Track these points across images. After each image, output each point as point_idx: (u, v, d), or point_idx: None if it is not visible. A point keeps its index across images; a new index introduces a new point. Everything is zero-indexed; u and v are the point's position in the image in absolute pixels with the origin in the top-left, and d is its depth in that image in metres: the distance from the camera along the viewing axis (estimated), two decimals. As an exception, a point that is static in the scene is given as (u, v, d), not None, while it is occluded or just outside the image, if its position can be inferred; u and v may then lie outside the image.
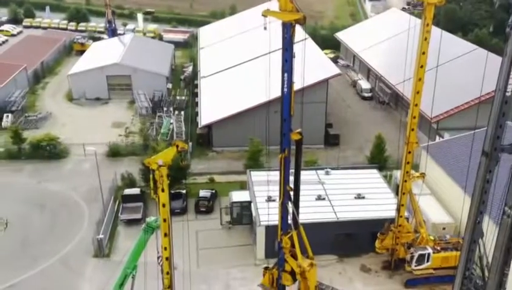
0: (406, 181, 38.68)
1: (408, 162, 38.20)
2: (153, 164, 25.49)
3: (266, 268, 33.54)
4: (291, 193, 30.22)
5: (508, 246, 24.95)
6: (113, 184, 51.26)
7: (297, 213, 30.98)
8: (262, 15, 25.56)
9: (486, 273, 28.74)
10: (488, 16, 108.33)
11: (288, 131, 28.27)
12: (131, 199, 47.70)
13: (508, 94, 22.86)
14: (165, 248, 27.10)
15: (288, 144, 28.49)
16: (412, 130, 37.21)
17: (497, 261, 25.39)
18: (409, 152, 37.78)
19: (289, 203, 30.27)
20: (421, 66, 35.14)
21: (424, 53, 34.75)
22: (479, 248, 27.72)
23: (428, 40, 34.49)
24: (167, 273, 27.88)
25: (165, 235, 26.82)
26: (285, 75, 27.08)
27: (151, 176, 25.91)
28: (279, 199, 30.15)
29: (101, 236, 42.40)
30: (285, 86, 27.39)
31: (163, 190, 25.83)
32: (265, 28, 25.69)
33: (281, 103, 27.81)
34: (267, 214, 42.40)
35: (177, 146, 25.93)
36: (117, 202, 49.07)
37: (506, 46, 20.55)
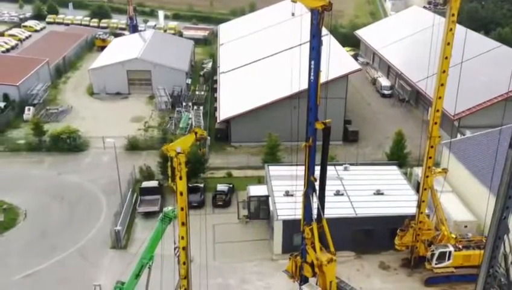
0: (427, 177, 37.91)
1: (430, 157, 37.39)
2: (171, 151, 25.24)
3: (292, 255, 33.32)
4: (316, 185, 29.91)
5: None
6: (131, 177, 51.40)
7: (323, 205, 30.59)
8: (292, 1, 25.23)
9: None
10: (510, 15, 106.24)
11: (314, 120, 27.82)
12: (149, 192, 47.75)
13: None
14: (182, 237, 26.83)
15: (313, 133, 28.08)
16: (435, 123, 36.45)
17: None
18: (432, 147, 36.98)
19: (313, 194, 29.85)
20: (446, 58, 34.36)
21: (449, 44, 33.99)
22: (503, 245, 26.96)
23: (454, 31, 33.73)
24: (184, 263, 27.61)
25: (183, 224, 26.56)
26: (312, 62, 26.74)
27: (169, 163, 25.66)
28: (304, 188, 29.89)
29: (118, 228, 42.48)
30: (312, 74, 26.96)
31: (181, 178, 25.54)
32: (293, 14, 25.67)
33: (308, 91, 27.54)
34: (285, 208, 42.31)
35: (196, 133, 25.60)
36: (135, 195, 49.13)
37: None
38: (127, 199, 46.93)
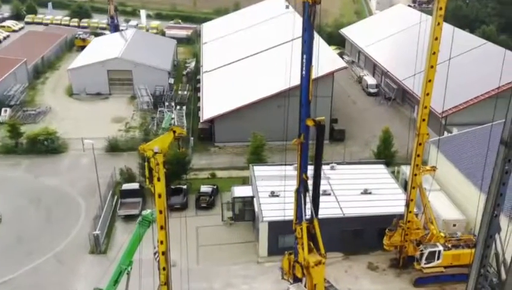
0: (416, 175, 37.18)
1: (418, 155, 36.70)
2: (148, 151, 23.90)
3: (288, 252, 32.68)
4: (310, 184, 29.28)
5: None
6: (111, 179, 49.79)
7: (317, 205, 29.80)
8: None
9: (503, 272, 27.21)
10: (494, 13, 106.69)
11: (306, 116, 27.00)
12: (130, 194, 46.22)
13: None
14: (162, 242, 25.49)
15: (305, 130, 27.30)
16: (423, 120, 35.74)
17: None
18: (420, 144, 36.26)
19: (305, 193, 29.22)
20: (434, 53, 33.83)
21: (436, 39, 33.43)
22: (495, 243, 26.16)
23: (441, 25, 33.16)
24: (163, 268, 26.25)
25: (161, 228, 25.20)
26: (304, 56, 26.18)
27: (146, 163, 24.32)
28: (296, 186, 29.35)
29: (97, 232, 40.93)
30: (304, 68, 26.12)
31: (159, 179, 24.19)
32: (287, 7, 24.75)
33: (300, 86, 27.07)
34: (271, 209, 41.18)
35: (175, 132, 24.26)
36: (115, 198, 47.56)
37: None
38: (106, 202, 45.32)
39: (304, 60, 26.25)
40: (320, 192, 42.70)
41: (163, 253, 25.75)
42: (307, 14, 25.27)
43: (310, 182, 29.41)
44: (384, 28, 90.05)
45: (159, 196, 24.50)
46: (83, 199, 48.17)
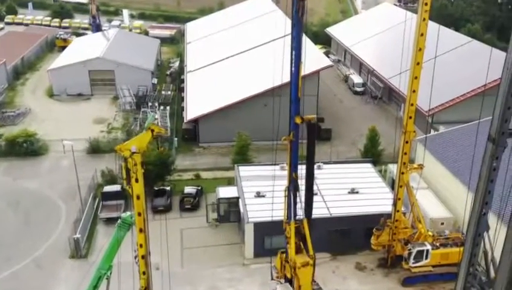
0: (403, 173, 36.67)
1: (405, 153, 36.25)
2: (125, 151, 22.91)
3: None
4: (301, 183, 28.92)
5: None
6: (92, 181, 48.49)
7: (310, 206, 29.46)
8: None
9: (492, 270, 26.72)
10: (479, 12, 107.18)
11: (295, 113, 26.47)
12: (112, 197, 44.94)
13: None
14: (141, 245, 24.44)
15: (294, 127, 26.77)
16: (410, 118, 35.28)
17: (507, 256, 23.20)
18: (407, 142, 35.80)
19: (295, 192, 28.75)
20: (420, 49, 33.43)
21: (422, 34, 33.09)
22: (483, 242, 25.65)
23: (427, 21, 32.73)
24: (143, 273, 25.20)
25: (141, 231, 24.17)
26: (293, 53, 25.77)
27: (123, 164, 23.29)
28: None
29: (77, 236, 39.72)
30: (293, 64, 25.50)
31: (137, 180, 23.19)
32: (277, 2, 24.10)
33: (290, 83, 26.71)
34: (256, 210, 40.32)
35: (153, 130, 23.25)
36: (97, 200, 46.31)
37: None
38: (87, 204, 44.09)
39: (293, 56, 25.79)
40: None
41: (142, 257, 24.72)
42: (295, 9, 24.87)
43: (301, 182, 28.89)
44: (370, 27, 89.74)
45: (138, 197, 23.52)
46: (63, 202, 46.87)
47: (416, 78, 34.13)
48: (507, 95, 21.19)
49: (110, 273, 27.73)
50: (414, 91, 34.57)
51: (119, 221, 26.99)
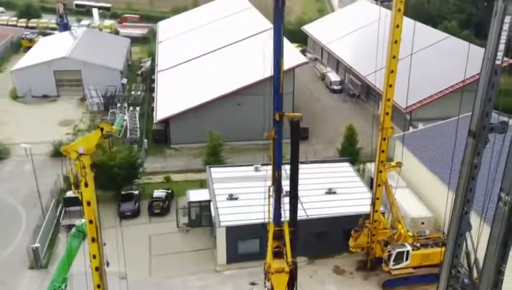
0: (381, 172, 35.22)
1: (383, 151, 34.85)
2: (72, 152, 20.57)
3: None
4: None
5: (505, 238, 21.31)
6: (55, 186, 45.74)
7: (295, 208, 27.81)
8: None
9: (475, 272, 25.27)
10: (455, 9, 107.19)
11: (276, 109, 25.12)
12: (75, 202, 41.88)
13: (497, 62, 19.74)
14: (94, 256, 22.08)
15: (275, 124, 25.32)
16: (387, 114, 33.81)
17: (491, 257, 21.70)
18: (384, 139, 34.30)
19: (278, 192, 27.16)
20: (395, 42, 32.11)
21: (398, 26, 31.70)
22: (465, 242, 24.14)
23: (403, 11, 31.30)
24: (98, 286, 22.84)
25: (93, 240, 21.87)
26: (275, 46, 24.31)
27: (70, 168, 21.05)
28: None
29: (37, 245, 37.06)
30: (275, 58, 24.44)
31: (86, 185, 20.88)
32: None
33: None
34: (229, 213, 38.33)
35: (102, 129, 20.99)
36: (60, 206, 43.62)
37: (496, 5, 17.84)
38: (48, 211, 41.42)
39: (274, 50, 24.35)
40: (283, 193, 40.86)
41: (96, 269, 22.35)
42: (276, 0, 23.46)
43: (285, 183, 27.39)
44: (346, 25, 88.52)
45: (88, 203, 21.21)
46: (24, 208, 44.18)
47: (392, 72, 32.83)
48: (487, 88, 19.83)
49: (65, 286, 25.55)
50: (391, 86, 33.23)
51: (72, 230, 24.79)
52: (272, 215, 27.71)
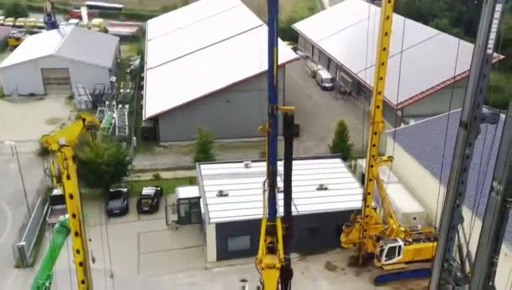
0: (372, 166, 34.76)
1: (374, 145, 34.35)
2: (53, 144, 19.92)
3: None
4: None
5: (497, 229, 20.91)
6: (42, 185, 44.89)
7: (289, 204, 27.75)
8: None
9: (467, 265, 24.89)
10: (447, 7, 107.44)
11: (271, 101, 24.14)
12: (62, 200, 41.16)
13: (488, 51, 19.40)
14: (78, 251, 21.43)
15: (272, 117, 24.44)
16: (378, 107, 33.37)
17: (484, 249, 21.29)
18: (375, 133, 33.86)
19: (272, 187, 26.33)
20: (386, 34, 31.75)
21: (388, 18, 31.40)
22: (457, 235, 23.78)
23: (392, 3, 30.97)
24: (82, 281, 22.18)
25: (76, 234, 21.23)
26: (269, 36, 23.49)
27: (51, 161, 20.43)
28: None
29: (22, 243, 36.27)
30: (269, 48, 23.58)
31: (69, 177, 20.23)
32: None
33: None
34: (218, 210, 37.75)
35: (84, 120, 20.37)
36: (46, 204, 42.80)
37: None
38: (34, 209, 40.58)
39: (269, 39, 23.60)
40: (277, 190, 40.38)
41: (80, 264, 21.68)
42: None
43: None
44: (337, 22, 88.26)
45: (71, 196, 20.57)
46: (10, 207, 43.40)
47: (383, 64, 32.48)
48: (478, 77, 19.54)
49: (50, 283, 24.82)
50: (381, 78, 32.86)
51: (56, 225, 24.13)
52: (266, 211, 27.13)
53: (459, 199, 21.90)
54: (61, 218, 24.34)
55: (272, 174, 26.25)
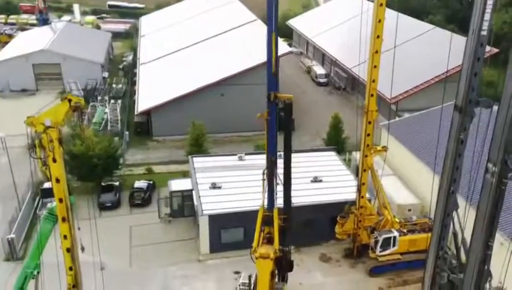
0: (366, 156, 34.37)
1: (368, 134, 33.94)
2: (38, 125, 19.40)
3: None
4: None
5: (492, 212, 20.66)
6: (33, 178, 44.23)
7: (288, 195, 27.28)
8: None
9: (462, 252, 24.59)
10: (441, 4, 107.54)
11: (270, 89, 24.02)
12: (52, 193, 40.72)
13: (483, 33, 19.17)
14: (65, 237, 20.92)
15: (271, 105, 24.33)
16: (372, 95, 33.00)
17: (479, 233, 21.03)
18: (369, 122, 33.48)
19: (272, 177, 26.23)
20: (379, 21, 31.52)
21: (381, 4, 31.30)
22: (452, 223, 23.49)
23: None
24: (70, 268, 21.66)
25: (64, 220, 20.67)
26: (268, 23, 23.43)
27: (37, 141, 19.89)
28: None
29: (11, 236, 35.69)
30: (267, 35, 23.45)
31: (55, 160, 19.71)
32: None
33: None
34: (211, 202, 37.29)
35: (70, 100, 19.86)
36: (37, 198, 42.24)
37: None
38: (25, 202, 39.99)
39: (268, 24, 23.51)
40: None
41: (68, 250, 21.16)
42: None
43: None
44: (331, 18, 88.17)
45: (57, 180, 20.02)
46: (0, 201, 42.54)
47: (376, 52, 32.12)
48: (473, 60, 19.32)
49: (38, 272, 24.22)
50: (375, 66, 32.53)
51: (44, 212, 23.57)
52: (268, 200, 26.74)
53: (453, 185, 21.63)
54: (49, 205, 23.74)
55: (271, 164, 25.89)
